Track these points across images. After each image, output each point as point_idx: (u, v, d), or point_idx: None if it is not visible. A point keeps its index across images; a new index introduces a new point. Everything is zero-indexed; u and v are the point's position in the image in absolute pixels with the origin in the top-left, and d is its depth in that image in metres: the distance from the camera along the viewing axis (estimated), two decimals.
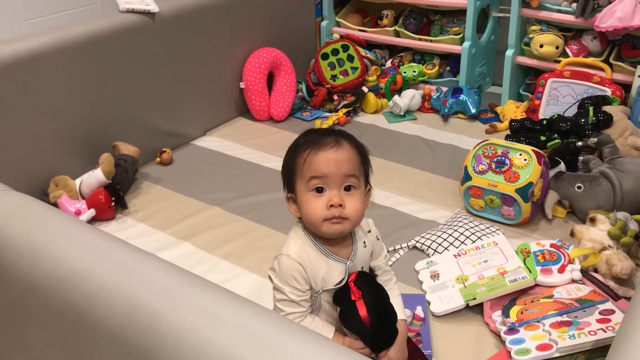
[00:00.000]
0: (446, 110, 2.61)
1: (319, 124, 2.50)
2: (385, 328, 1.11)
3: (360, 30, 2.96)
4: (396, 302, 1.19)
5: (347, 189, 1.07)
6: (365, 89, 2.73)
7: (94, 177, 2.00)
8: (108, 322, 0.88)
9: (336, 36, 2.96)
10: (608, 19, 2.24)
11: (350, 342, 1.12)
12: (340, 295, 1.11)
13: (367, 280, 1.12)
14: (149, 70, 2.26)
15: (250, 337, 0.80)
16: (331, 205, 1.05)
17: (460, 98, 2.61)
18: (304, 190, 1.07)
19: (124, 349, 0.87)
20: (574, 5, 2.36)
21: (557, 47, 2.45)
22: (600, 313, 1.41)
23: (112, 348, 0.88)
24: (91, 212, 1.93)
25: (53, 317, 0.98)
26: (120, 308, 0.86)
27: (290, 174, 1.10)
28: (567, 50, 2.47)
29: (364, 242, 1.17)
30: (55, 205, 1.93)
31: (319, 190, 1.06)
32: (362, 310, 1.07)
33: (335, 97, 2.71)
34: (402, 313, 1.20)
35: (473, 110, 2.59)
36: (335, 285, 1.12)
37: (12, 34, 2.84)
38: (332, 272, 1.11)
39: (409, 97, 2.67)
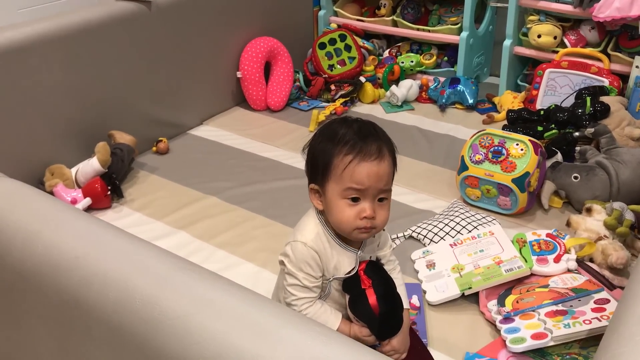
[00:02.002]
0: (443, 101, 2.60)
1: (316, 114, 2.49)
2: (392, 317, 1.12)
3: (357, 19, 2.95)
4: (401, 291, 1.20)
5: (380, 200, 1.08)
6: (362, 78, 2.72)
7: (90, 166, 1.99)
8: (102, 308, 0.87)
9: (334, 26, 2.95)
10: (606, 9, 2.23)
11: (356, 329, 1.13)
12: (350, 284, 1.12)
13: (377, 270, 1.13)
14: (146, 59, 2.25)
15: (244, 324, 0.80)
16: (364, 217, 1.05)
17: (458, 88, 2.60)
18: (336, 194, 1.06)
19: (118, 334, 0.87)
20: None
21: (555, 38, 2.45)
22: (595, 302, 1.42)
23: (106, 333, 0.88)
24: (87, 201, 1.92)
25: (47, 303, 0.98)
26: (114, 294, 0.86)
27: (322, 169, 1.07)
28: (565, 40, 2.46)
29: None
30: (51, 194, 1.93)
31: (354, 199, 1.06)
32: (372, 299, 1.08)
33: (333, 87, 2.70)
34: (406, 302, 1.21)
35: (470, 101, 2.58)
36: (345, 274, 1.13)
37: (7, 23, 2.83)
38: (343, 261, 1.13)
39: (406, 87, 2.66)
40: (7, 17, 2.93)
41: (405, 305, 1.20)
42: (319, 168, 1.08)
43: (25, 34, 1.91)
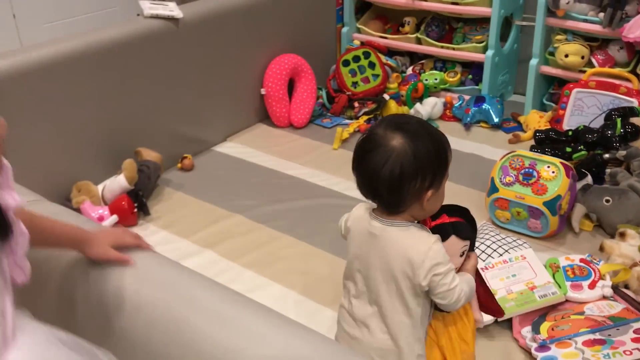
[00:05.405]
0: (468, 119, 2.58)
1: (340, 131, 2.48)
2: (468, 213, 1.37)
3: (381, 36, 2.94)
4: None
5: None
6: (386, 96, 2.71)
7: (117, 183, 1.99)
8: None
9: (357, 43, 2.94)
10: (637, 29, 2.20)
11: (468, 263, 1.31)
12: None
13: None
14: (171, 75, 2.25)
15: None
16: None
17: (483, 107, 2.58)
18: (444, 181, 1.25)
19: None
20: (601, 15, 2.32)
21: (582, 57, 2.42)
22: (634, 332, 1.38)
23: None
24: (114, 218, 1.92)
25: None
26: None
27: (442, 169, 1.22)
28: (593, 60, 2.44)
29: None
30: (78, 210, 1.93)
31: None
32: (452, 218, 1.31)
33: (356, 105, 2.69)
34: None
35: (496, 120, 2.56)
36: None
37: (33, 37, 2.86)
38: None
39: (430, 105, 2.64)
40: (33, 32, 2.96)
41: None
42: (443, 165, 1.22)
43: (53, 52, 1.91)
